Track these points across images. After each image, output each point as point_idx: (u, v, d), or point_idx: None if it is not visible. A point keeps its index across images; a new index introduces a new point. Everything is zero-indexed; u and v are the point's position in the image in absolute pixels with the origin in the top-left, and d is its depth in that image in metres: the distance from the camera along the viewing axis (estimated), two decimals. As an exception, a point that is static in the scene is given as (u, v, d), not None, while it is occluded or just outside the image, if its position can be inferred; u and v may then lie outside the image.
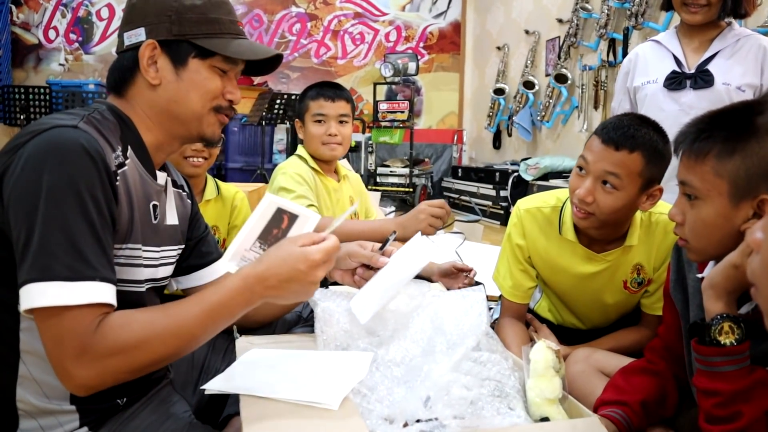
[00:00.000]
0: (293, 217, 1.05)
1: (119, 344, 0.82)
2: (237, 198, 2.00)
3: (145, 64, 0.97)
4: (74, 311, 0.80)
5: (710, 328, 0.96)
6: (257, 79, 6.57)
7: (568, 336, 1.67)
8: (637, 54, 2.09)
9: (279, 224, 1.05)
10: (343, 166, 2.18)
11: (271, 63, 1.08)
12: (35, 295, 0.79)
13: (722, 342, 0.95)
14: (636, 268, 1.53)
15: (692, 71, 1.91)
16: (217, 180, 2.02)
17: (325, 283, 1.38)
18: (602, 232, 1.48)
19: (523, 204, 1.63)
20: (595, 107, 4.94)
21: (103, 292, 0.83)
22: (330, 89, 2.00)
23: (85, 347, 0.80)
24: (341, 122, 1.99)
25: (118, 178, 0.90)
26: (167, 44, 0.98)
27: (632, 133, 1.33)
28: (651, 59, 2.02)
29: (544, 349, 1.08)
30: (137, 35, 0.98)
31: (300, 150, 2.06)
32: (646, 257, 1.52)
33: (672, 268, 1.19)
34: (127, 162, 0.93)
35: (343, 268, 1.21)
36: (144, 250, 0.99)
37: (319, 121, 1.98)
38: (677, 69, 1.93)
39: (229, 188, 2.03)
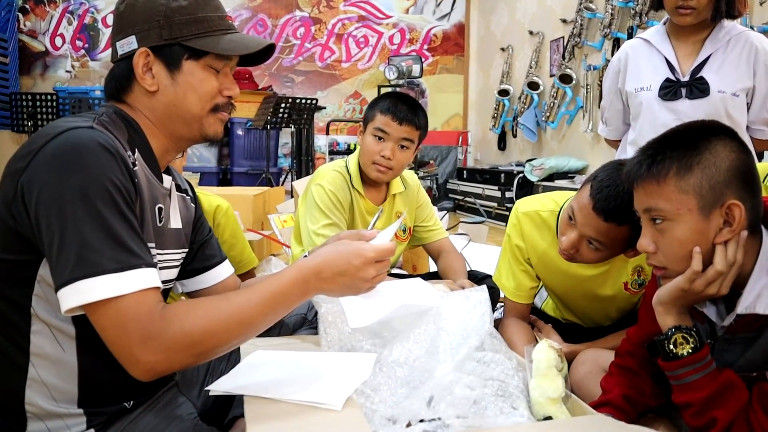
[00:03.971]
0: None
1: (185, 329, 0.83)
2: (218, 214, 1.85)
3: (141, 72, 0.97)
4: (131, 298, 0.81)
5: (665, 343, 1.01)
6: (262, 84, 6.60)
7: (574, 334, 1.67)
8: (627, 54, 2.02)
9: None
10: (404, 178, 2.02)
11: (265, 53, 1.07)
12: (85, 290, 0.80)
13: (679, 353, 1.00)
14: (637, 270, 1.53)
15: (686, 78, 1.88)
16: (198, 190, 1.79)
17: None
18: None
19: (522, 206, 1.62)
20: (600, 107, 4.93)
21: (152, 277, 0.85)
22: (404, 109, 1.81)
23: (150, 332, 0.81)
24: (402, 146, 1.83)
25: (135, 175, 0.91)
26: (159, 49, 0.98)
27: (625, 206, 1.22)
28: (642, 63, 1.97)
29: (547, 348, 1.09)
30: (129, 44, 0.98)
31: (351, 160, 1.91)
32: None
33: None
34: (136, 163, 0.94)
35: None
36: (156, 252, 0.99)
37: (379, 138, 1.82)
38: (671, 76, 1.90)
39: (211, 201, 1.85)
